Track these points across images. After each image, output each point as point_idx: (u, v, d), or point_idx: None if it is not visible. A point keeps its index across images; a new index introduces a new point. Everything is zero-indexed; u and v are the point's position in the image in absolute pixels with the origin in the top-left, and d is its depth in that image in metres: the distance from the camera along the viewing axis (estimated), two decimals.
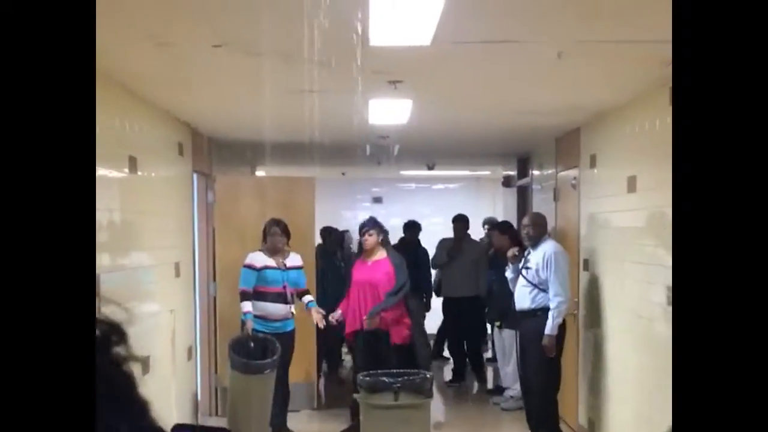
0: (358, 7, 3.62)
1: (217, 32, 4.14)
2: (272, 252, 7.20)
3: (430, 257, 10.04)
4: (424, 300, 9.93)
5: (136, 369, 0.93)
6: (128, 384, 0.88)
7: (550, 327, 6.58)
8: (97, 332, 0.80)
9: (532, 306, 6.72)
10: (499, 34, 4.23)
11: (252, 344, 6.70)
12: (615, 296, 6.45)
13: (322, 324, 7.14)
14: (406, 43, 4.28)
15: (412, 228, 10.61)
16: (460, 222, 9.93)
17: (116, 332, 0.83)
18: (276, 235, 7.18)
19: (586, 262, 7.19)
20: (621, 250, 6.24)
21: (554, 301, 6.61)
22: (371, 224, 7.41)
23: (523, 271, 6.85)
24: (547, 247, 6.83)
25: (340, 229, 10.60)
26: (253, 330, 6.90)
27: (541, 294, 6.68)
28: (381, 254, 7.31)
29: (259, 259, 7.14)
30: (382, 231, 7.47)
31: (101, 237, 5.04)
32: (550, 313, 6.58)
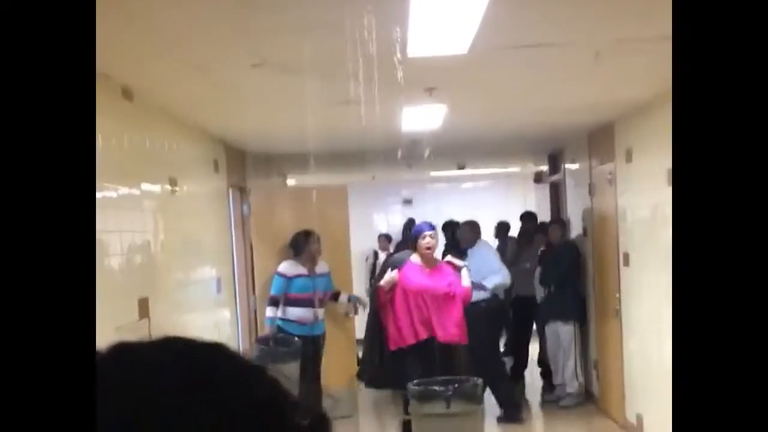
0: (397, 21, 3.62)
1: (255, 52, 4.16)
2: (308, 261, 7.53)
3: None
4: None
5: None
6: None
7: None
8: (305, 423, 0.78)
9: None
10: (537, 39, 4.21)
11: (272, 343, 7.10)
12: (658, 291, 6.41)
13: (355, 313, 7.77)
14: (444, 53, 4.29)
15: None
16: (531, 219, 9.80)
17: (323, 425, 0.81)
18: (314, 243, 7.55)
19: (626, 256, 7.15)
20: (663, 244, 6.20)
21: None
22: (429, 227, 6.90)
23: None
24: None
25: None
26: (283, 332, 7.28)
27: None
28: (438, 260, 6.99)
29: (290, 268, 7.48)
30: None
31: (147, 259, 5.08)
32: None
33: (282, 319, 7.35)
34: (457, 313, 6.73)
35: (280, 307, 7.38)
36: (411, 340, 6.62)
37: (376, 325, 7.16)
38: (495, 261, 8.22)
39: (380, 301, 6.78)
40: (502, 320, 8.70)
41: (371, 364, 7.61)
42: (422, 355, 6.54)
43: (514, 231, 10.48)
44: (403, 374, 6.37)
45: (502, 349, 10.12)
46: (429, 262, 6.81)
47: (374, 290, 7.16)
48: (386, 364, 6.95)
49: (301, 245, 7.53)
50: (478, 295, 7.54)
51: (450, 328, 6.68)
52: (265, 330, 7.31)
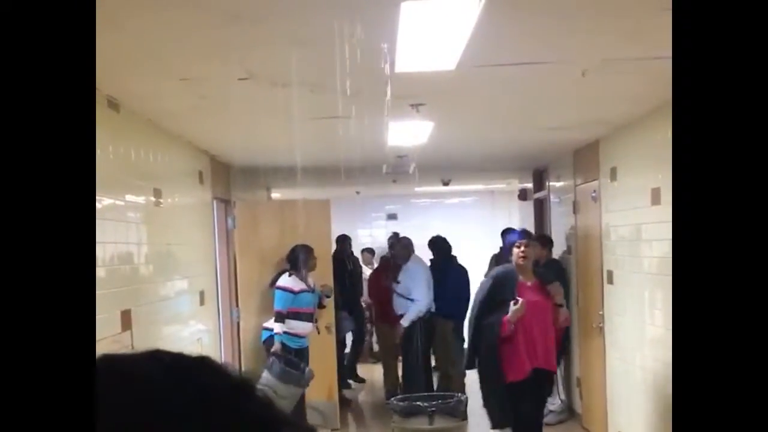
0: (385, 36, 3.62)
1: (242, 66, 4.15)
2: (305, 276, 7.64)
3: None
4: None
5: None
6: None
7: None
8: None
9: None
10: (524, 57, 4.22)
11: (282, 362, 7.06)
12: (641, 309, 6.42)
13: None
14: (431, 68, 4.29)
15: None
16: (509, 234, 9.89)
17: None
18: (314, 259, 7.70)
19: (610, 274, 7.17)
20: (646, 262, 6.22)
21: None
22: (521, 235, 6.40)
23: None
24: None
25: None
26: (286, 347, 7.35)
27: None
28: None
29: (295, 283, 7.56)
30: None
31: (130, 270, 5.04)
32: None
33: (284, 333, 7.43)
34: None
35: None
36: (544, 364, 6.19)
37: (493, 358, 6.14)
38: (421, 283, 8.78)
39: (504, 334, 6.01)
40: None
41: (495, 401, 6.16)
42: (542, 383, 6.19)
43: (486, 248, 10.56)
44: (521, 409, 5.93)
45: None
46: (527, 273, 6.31)
47: (496, 324, 6.08)
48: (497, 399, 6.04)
49: (304, 260, 7.63)
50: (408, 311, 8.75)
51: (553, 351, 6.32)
52: (275, 347, 7.32)
